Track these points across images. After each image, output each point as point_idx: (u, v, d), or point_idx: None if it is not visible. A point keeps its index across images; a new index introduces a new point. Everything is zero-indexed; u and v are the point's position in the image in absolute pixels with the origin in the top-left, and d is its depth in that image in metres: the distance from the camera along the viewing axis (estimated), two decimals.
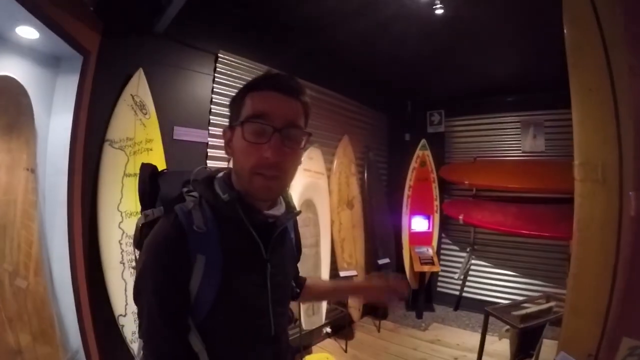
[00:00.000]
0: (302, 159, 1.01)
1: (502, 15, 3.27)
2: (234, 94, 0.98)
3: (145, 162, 1.05)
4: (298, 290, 1.31)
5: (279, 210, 1.01)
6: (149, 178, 1.00)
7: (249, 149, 0.88)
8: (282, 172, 0.90)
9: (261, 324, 0.96)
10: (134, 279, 0.91)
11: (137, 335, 2.26)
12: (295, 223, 1.22)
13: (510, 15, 3.23)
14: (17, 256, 1.92)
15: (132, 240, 2.40)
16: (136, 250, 1.01)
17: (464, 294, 5.11)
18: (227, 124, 0.99)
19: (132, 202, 2.48)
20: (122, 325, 2.37)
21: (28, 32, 1.94)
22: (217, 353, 0.87)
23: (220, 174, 1.01)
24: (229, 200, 0.91)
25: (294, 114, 0.91)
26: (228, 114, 1.00)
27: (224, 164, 3.00)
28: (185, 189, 0.96)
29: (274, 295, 0.97)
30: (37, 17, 1.76)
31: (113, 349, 2.37)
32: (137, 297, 0.89)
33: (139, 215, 1.01)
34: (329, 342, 4.11)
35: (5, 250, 1.87)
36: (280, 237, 1.03)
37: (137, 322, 0.91)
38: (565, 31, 1.97)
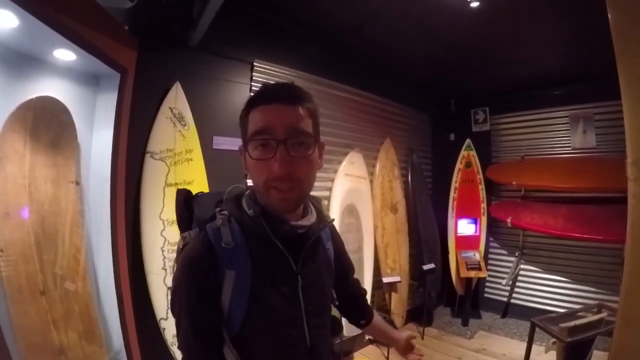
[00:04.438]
0: (323, 162, 1.02)
1: (542, 3, 3.10)
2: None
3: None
4: (363, 322, 1.35)
5: (309, 220, 1.01)
6: (183, 202, 1.05)
7: (258, 165, 0.89)
8: (297, 182, 0.89)
9: (295, 336, 0.96)
10: (170, 295, 0.96)
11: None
12: (333, 231, 1.22)
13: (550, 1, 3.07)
14: (66, 261, 2.04)
15: (173, 247, 2.53)
16: None
17: (512, 301, 4.87)
18: None
19: (173, 210, 2.55)
20: (164, 329, 2.47)
21: (65, 54, 2.02)
22: None
23: (248, 191, 1.02)
24: (254, 215, 0.93)
25: (296, 121, 0.89)
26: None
27: None
28: (218, 209, 0.98)
29: (308, 306, 0.97)
30: (72, 41, 1.84)
31: (154, 350, 2.46)
32: (173, 312, 0.93)
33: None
34: (371, 348, 4.05)
35: (57, 255, 1.99)
36: (313, 248, 1.03)
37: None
38: (609, 15, 1.80)
